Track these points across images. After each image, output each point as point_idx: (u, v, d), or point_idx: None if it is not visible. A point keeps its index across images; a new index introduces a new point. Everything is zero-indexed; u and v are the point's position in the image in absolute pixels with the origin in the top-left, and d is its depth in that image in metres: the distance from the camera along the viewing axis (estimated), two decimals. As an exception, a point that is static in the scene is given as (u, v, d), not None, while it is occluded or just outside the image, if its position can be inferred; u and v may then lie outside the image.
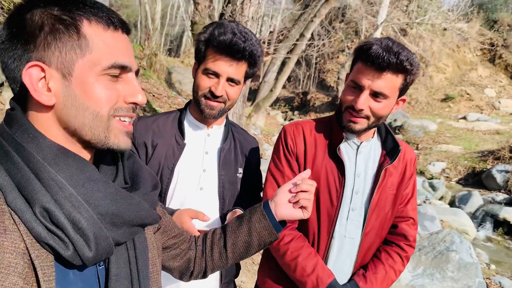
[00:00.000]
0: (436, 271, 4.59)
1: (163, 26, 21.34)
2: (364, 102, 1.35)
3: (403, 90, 1.40)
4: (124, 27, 0.77)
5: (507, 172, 9.14)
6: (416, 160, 1.60)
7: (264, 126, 12.27)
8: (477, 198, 8.56)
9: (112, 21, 0.74)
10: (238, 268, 1.71)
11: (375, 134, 1.55)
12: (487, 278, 5.16)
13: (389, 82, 1.34)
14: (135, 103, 0.78)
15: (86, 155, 0.78)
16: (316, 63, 20.56)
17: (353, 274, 1.53)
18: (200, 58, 1.49)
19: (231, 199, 1.60)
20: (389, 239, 1.56)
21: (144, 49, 10.19)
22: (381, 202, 1.48)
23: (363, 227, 1.48)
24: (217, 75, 1.45)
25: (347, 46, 19.23)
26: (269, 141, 10.72)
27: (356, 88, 1.39)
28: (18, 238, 0.66)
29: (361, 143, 1.50)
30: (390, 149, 1.51)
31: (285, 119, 17.27)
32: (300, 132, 1.52)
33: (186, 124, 1.58)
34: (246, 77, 1.52)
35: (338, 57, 21.14)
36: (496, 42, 19.94)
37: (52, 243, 0.67)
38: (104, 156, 0.84)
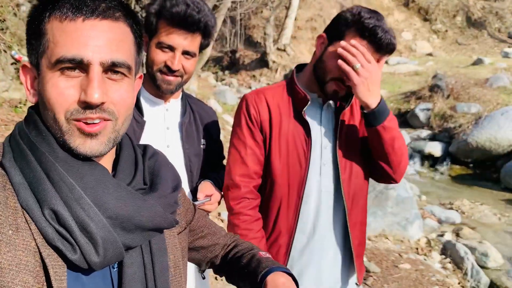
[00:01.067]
0: (377, 209, 4.98)
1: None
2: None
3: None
4: (94, 13, 0.68)
5: (428, 110, 9.87)
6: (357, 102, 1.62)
7: (198, 89, 12.04)
8: (405, 137, 9.23)
9: (72, 10, 0.68)
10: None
11: None
12: (420, 209, 5.71)
13: None
14: (86, 102, 0.67)
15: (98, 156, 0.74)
16: (241, 20, 20.25)
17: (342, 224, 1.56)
18: (151, 30, 1.42)
19: (198, 172, 1.60)
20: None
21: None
22: (349, 148, 1.53)
23: (338, 178, 1.52)
24: (172, 48, 1.40)
25: (270, 0, 19.07)
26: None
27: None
28: (29, 236, 0.65)
29: (324, 102, 1.54)
30: (342, 97, 1.52)
31: (216, 80, 17.05)
32: (262, 100, 1.51)
33: (142, 101, 1.52)
34: (201, 49, 1.48)
35: (262, 12, 20.95)
36: (409, -13, 20.85)
37: (60, 245, 0.66)
38: (125, 154, 0.81)
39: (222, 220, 4.67)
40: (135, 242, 0.73)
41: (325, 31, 1.48)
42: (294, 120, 1.50)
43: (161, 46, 1.40)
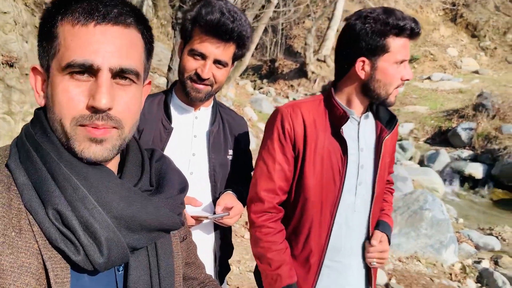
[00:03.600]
0: (411, 230, 4.81)
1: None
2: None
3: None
4: (106, 18, 0.68)
5: (471, 129, 9.51)
6: (398, 123, 1.64)
7: (235, 97, 12.16)
8: (444, 156, 8.92)
9: (84, 15, 0.68)
10: (231, 249, 1.72)
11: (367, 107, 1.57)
12: (456, 232, 5.46)
13: None
14: (93, 107, 0.67)
15: None
16: (282, 29, 20.33)
17: (365, 240, 1.58)
18: (186, 37, 1.42)
19: (223, 182, 1.58)
20: None
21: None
22: (383, 171, 1.54)
23: (371, 199, 1.52)
24: (203, 56, 1.39)
25: (313, 11, 19.06)
26: (241, 112, 10.66)
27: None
28: (32, 238, 0.65)
29: (360, 118, 1.51)
30: (387, 120, 1.54)
31: (254, 88, 17.16)
32: (298, 115, 1.46)
33: (172, 108, 1.53)
34: (234, 59, 1.47)
35: (304, 22, 20.96)
36: (458, 2, 20.25)
37: (63, 246, 0.65)
38: (131, 157, 0.81)
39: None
40: (141, 242, 0.73)
41: (362, 53, 1.41)
42: (331, 136, 1.47)
43: (193, 53, 1.40)
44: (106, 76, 0.68)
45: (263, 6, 9.98)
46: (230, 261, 1.74)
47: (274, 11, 11.19)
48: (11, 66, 4.06)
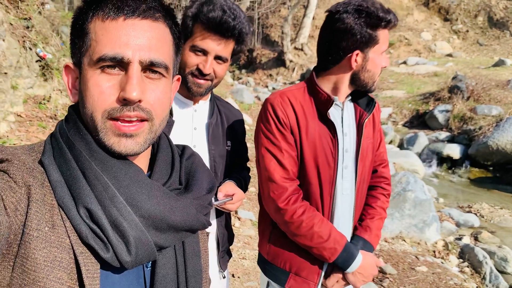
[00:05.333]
0: (395, 211, 4.96)
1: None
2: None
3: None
4: (135, 12, 0.70)
5: (447, 111, 9.74)
6: (379, 107, 1.71)
7: (216, 88, 12.12)
8: (423, 138, 9.14)
9: (114, 10, 0.70)
10: (232, 235, 1.77)
11: None
12: (438, 211, 5.65)
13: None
14: (124, 100, 0.68)
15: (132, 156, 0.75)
16: (258, 19, 20.26)
17: (354, 228, 1.64)
18: (186, 33, 1.45)
19: (222, 172, 1.63)
20: (372, 183, 1.71)
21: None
22: (365, 155, 1.59)
23: (355, 182, 1.58)
24: (205, 52, 1.43)
25: (288, -1, 19.04)
26: (222, 102, 10.68)
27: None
28: (64, 233, 0.66)
29: (343, 103, 1.57)
30: (366, 103, 1.61)
31: (233, 79, 17.12)
32: (287, 102, 1.51)
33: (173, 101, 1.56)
34: (233, 54, 1.51)
35: (280, 10, 20.93)
36: (429, -14, 20.55)
37: (93, 243, 0.66)
38: (162, 154, 0.82)
39: (239, 218, 4.71)
40: (168, 242, 0.74)
41: (357, 46, 1.45)
42: (319, 121, 1.52)
43: (194, 49, 1.43)
44: (136, 69, 0.69)
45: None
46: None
47: (251, 1, 11.15)
48: (-11, 65, 3.97)
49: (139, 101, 0.69)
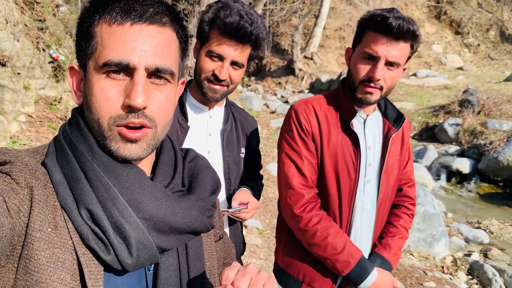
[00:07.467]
0: (403, 224, 4.89)
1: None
2: (381, 72, 1.38)
3: (408, 58, 1.45)
4: (142, 18, 0.69)
5: (457, 125, 9.65)
6: (410, 124, 1.67)
7: (224, 94, 12.13)
8: (432, 151, 9.05)
9: (121, 14, 0.69)
10: (244, 244, 1.74)
11: (376, 106, 1.59)
12: (447, 226, 5.57)
13: (402, 51, 1.38)
14: (129, 106, 0.68)
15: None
16: (269, 27, 20.34)
17: (373, 245, 1.60)
18: (203, 38, 1.43)
19: (237, 179, 1.61)
20: (396, 202, 1.66)
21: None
22: (389, 171, 1.55)
23: (377, 198, 1.54)
24: (221, 58, 1.41)
25: (299, 8, 19.11)
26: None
27: (370, 58, 1.40)
28: (66, 235, 0.66)
29: (367, 116, 1.54)
30: (394, 119, 1.57)
31: (242, 86, 17.15)
32: (311, 110, 1.50)
33: (188, 107, 1.55)
34: (249, 60, 1.49)
35: (290, 19, 21.00)
36: (441, -1, 20.54)
37: (94, 245, 0.66)
38: (164, 157, 0.81)
39: (245, 226, 4.67)
40: (170, 244, 0.73)
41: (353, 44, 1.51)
42: (342, 131, 1.50)
43: (211, 54, 1.41)
44: (142, 75, 0.68)
45: (250, 3, 10.00)
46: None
47: (263, 9, 11.20)
48: (3, 65, 4.00)
49: (144, 108, 0.69)
